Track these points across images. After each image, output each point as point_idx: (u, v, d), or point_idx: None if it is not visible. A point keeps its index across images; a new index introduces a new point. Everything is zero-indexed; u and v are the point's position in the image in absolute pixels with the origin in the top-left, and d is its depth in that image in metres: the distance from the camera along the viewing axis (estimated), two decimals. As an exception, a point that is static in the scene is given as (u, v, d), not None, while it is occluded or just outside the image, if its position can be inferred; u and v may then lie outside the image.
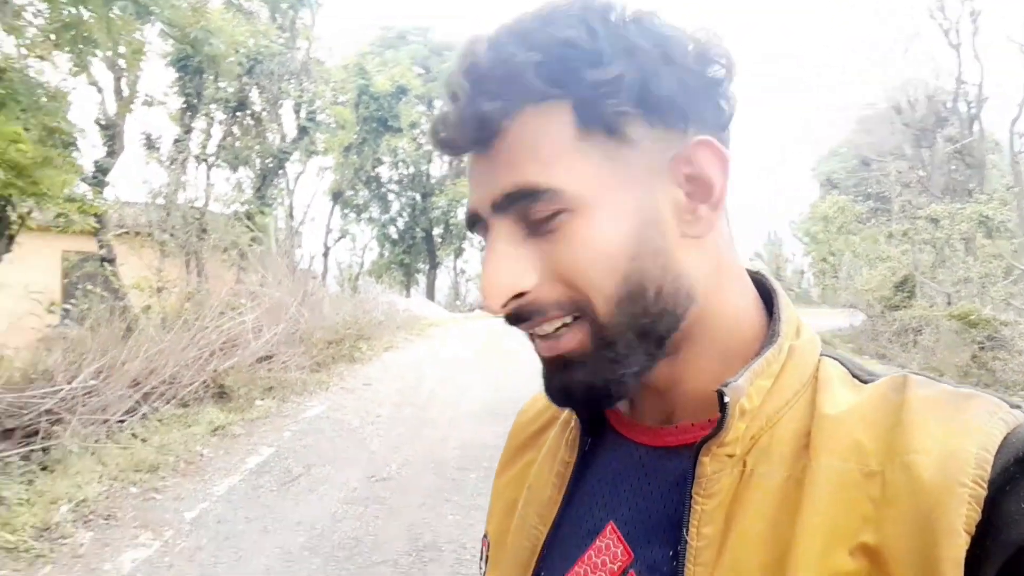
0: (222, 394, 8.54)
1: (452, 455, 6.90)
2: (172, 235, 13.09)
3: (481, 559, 0.75)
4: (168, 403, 7.76)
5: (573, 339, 0.56)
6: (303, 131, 17.27)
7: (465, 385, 10.85)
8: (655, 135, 0.55)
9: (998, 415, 0.49)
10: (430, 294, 35.73)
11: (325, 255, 26.76)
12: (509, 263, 0.55)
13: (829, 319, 18.79)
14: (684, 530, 0.53)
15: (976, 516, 0.45)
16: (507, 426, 0.85)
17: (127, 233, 12.72)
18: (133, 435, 6.87)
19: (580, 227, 0.54)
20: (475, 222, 0.59)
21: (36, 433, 6.01)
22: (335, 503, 5.57)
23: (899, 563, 0.46)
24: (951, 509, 0.46)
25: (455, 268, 45.64)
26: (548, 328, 0.56)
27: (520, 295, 0.55)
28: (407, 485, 5.95)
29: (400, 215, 33.74)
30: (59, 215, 8.78)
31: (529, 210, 0.54)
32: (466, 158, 0.60)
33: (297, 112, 17.25)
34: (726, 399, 0.52)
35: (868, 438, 0.51)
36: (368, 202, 32.67)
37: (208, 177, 15.70)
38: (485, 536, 0.75)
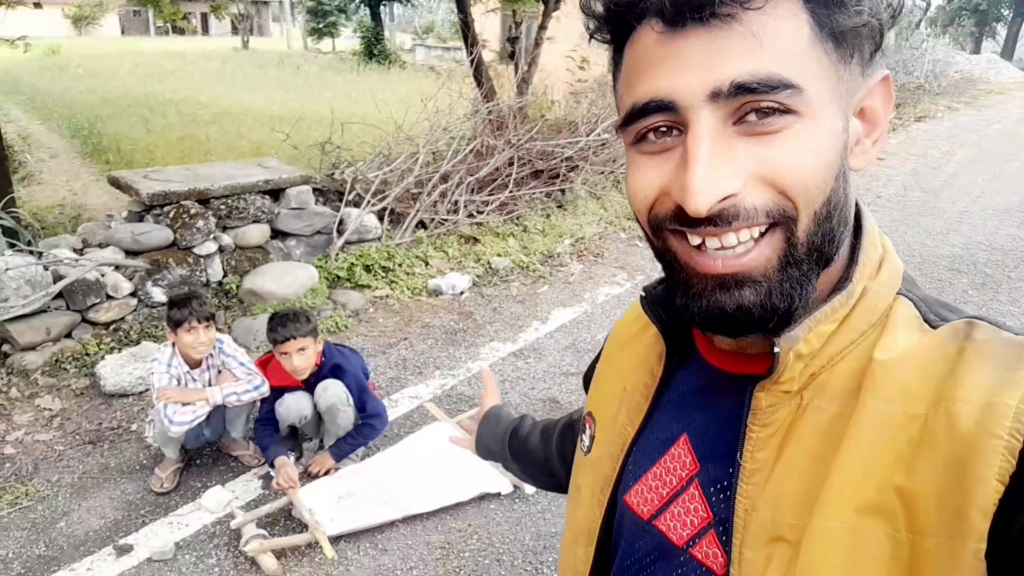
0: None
1: (948, 253, 6.35)
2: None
3: (583, 433, 0.82)
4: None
5: (760, 255, 0.54)
6: None
7: (997, 173, 9.36)
8: (859, 60, 0.54)
9: None
10: (1008, 51, 29.61)
11: None
12: (722, 162, 0.51)
13: None
14: (738, 453, 0.59)
15: (1010, 467, 0.46)
16: None
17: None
18: (634, 186, 7.81)
19: (808, 133, 0.51)
20: (662, 109, 0.53)
21: (557, 176, 7.29)
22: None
23: (927, 505, 0.49)
24: (983, 458, 0.47)
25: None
26: (741, 237, 0.53)
27: (728, 197, 0.52)
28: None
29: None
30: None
31: (759, 105, 0.51)
32: (651, 32, 0.54)
33: None
34: (777, 349, 0.56)
35: (918, 383, 0.52)
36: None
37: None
38: (590, 414, 0.82)
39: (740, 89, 0.50)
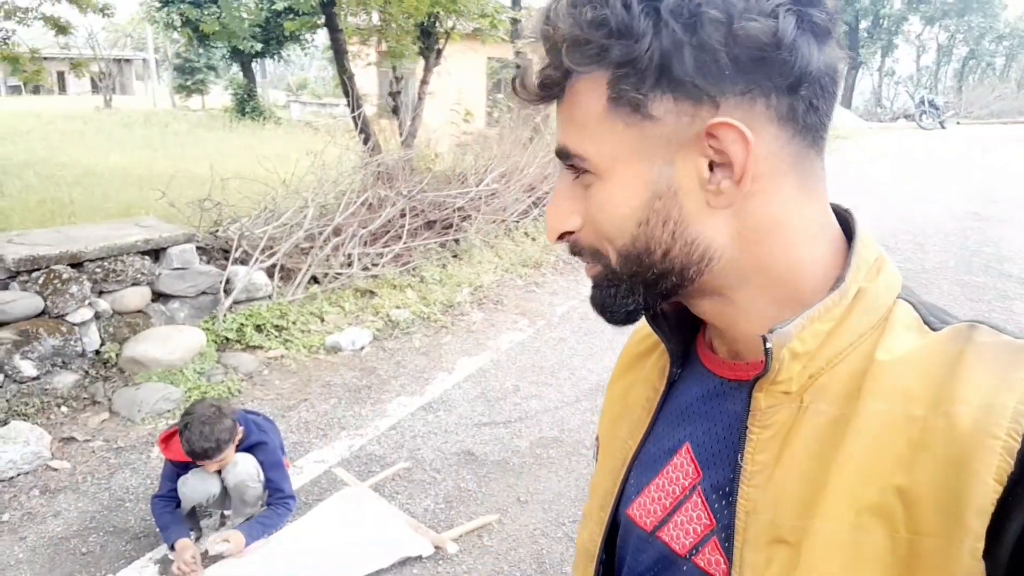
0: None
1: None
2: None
3: (594, 457, 0.85)
4: (557, 207, 8.63)
5: (594, 270, 0.65)
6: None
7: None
8: (681, 109, 0.55)
9: None
10: (846, 100, 32.46)
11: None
12: (561, 206, 0.63)
13: None
14: (739, 456, 0.60)
15: (1008, 468, 0.47)
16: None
17: (537, 41, 13.64)
18: (525, 234, 7.89)
19: (600, 190, 0.60)
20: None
21: (451, 226, 7.26)
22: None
23: (926, 505, 0.49)
24: (981, 459, 0.48)
25: (880, 69, 40.33)
26: (584, 261, 0.66)
27: (570, 233, 0.64)
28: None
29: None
30: (475, 30, 9.83)
31: (572, 166, 0.62)
32: None
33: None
34: (768, 344, 0.57)
35: (918, 385, 0.53)
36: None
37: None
38: (597, 438, 0.84)
39: (558, 154, 0.62)
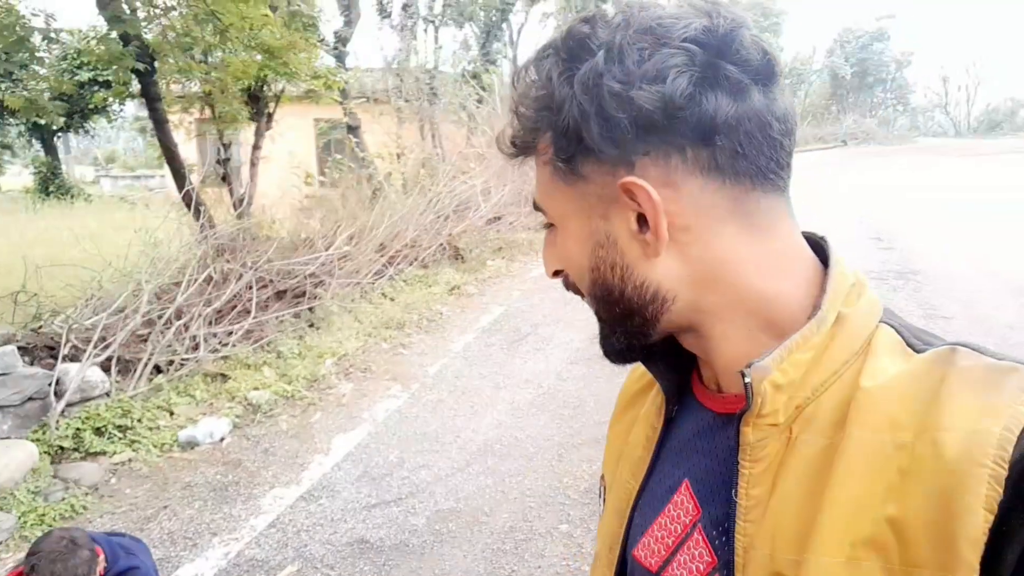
0: (457, 256, 9.13)
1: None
2: (407, 100, 13.74)
3: (600, 498, 0.84)
4: (411, 265, 8.46)
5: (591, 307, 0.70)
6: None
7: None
8: (603, 170, 0.60)
9: None
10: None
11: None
12: (545, 252, 0.71)
13: None
14: (733, 492, 0.59)
15: (997, 495, 0.47)
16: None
17: (367, 100, 13.56)
18: (383, 295, 7.63)
19: (561, 241, 0.67)
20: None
21: (304, 294, 6.87)
22: (560, 363, 5.86)
23: (919, 537, 0.49)
24: (970, 489, 0.47)
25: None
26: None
27: (562, 271, 0.69)
28: (629, 346, 6.06)
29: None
30: (309, 91, 9.54)
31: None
32: None
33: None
34: (747, 379, 0.57)
35: (904, 412, 0.53)
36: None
37: (436, 39, 16.09)
38: (602, 478, 0.84)
39: (534, 207, 0.69)
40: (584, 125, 0.58)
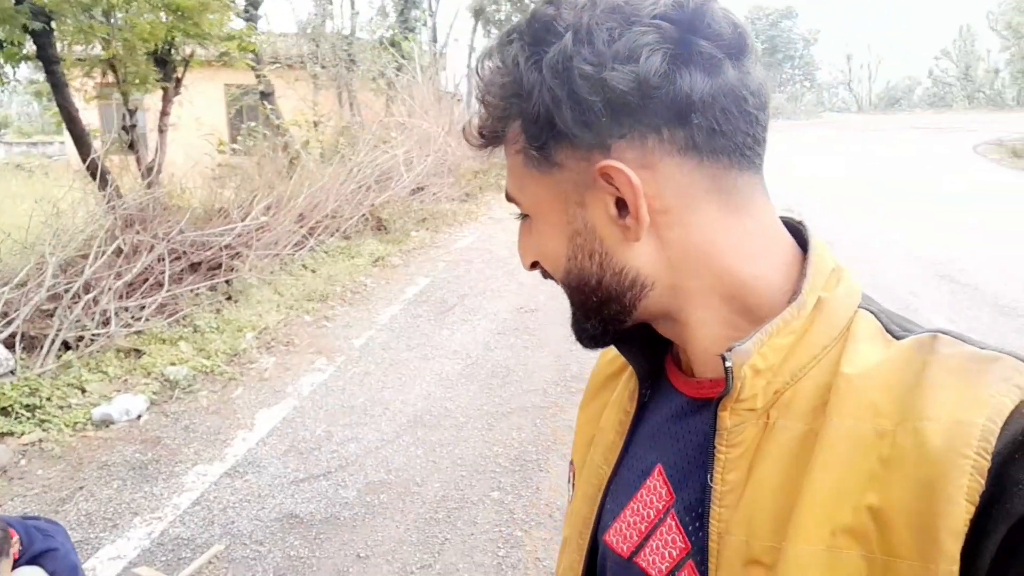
0: (380, 227, 9.00)
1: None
2: (323, 67, 13.35)
3: (569, 483, 0.83)
4: (332, 236, 8.29)
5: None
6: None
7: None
8: (578, 155, 0.59)
9: (1014, 381, 0.50)
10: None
11: (469, 76, 26.50)
12: (520, 244, 0.69)
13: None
14: (708, 476, 0.58)
15: (979, 487, 0.46)
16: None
17: (281, 66, 13.10)
18: (304, 266, 7.45)
19: (536, 231, 0.65)
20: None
21: (219, 267, 6.65)
22: (487, 333, 5.88)
23: (900, 527, 0.48)
24: (952, 479, 0.47)
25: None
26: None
27: (537, 263, 0.68)
28: (554, 316, 6.14)
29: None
30: (222, 54, 9.13)
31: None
32: None
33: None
34: (728, 363, 0.56)
35: (884, 399, 0.52)
36: (510, 16, 31.55)
37: (352, 4, 15.65)
38: (572, 463, 0.83)
39: (507, 198, 0.67)
40: (556, 110, 0.57)
